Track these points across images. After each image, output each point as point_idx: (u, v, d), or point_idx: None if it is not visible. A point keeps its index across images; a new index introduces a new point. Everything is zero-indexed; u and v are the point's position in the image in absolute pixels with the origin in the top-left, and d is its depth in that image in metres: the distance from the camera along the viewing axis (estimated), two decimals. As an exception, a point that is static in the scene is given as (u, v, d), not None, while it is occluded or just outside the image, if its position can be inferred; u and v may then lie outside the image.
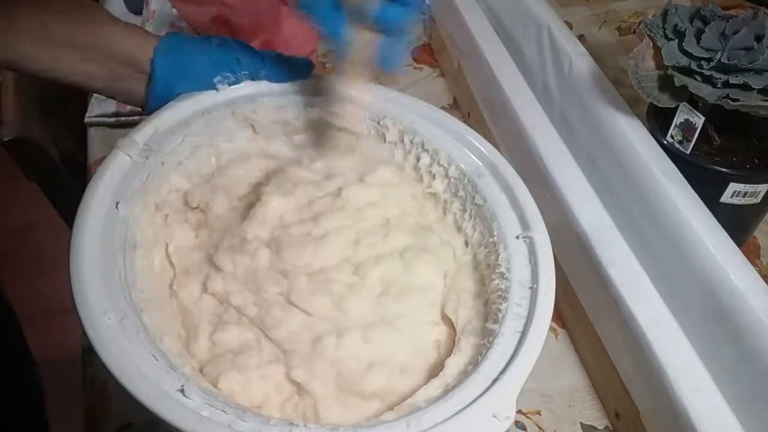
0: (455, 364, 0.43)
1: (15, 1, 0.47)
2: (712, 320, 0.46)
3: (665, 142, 0.58)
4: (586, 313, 0.57)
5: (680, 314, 0.49)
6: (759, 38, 0.53)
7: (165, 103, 0.52)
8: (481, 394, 0.39)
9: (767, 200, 0.58)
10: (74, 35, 0.49)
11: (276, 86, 0.55)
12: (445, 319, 0.49)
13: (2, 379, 0.74)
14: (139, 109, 0.56)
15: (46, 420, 0.81)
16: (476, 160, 0.53)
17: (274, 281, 0.48)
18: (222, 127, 0.54)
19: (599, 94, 0.60)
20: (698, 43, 0.54)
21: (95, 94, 0.80)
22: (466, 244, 0.52)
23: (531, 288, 0.45)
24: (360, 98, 0.52)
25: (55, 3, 0.49)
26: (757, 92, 0.52)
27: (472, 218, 0.52)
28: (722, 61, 0.52)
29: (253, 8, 0.83)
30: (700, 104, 0.55)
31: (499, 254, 0.47)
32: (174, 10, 0.78)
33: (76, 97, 0.84)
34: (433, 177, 0.54)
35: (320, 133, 0.55)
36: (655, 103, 0.56)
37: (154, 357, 0.38)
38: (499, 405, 0.38)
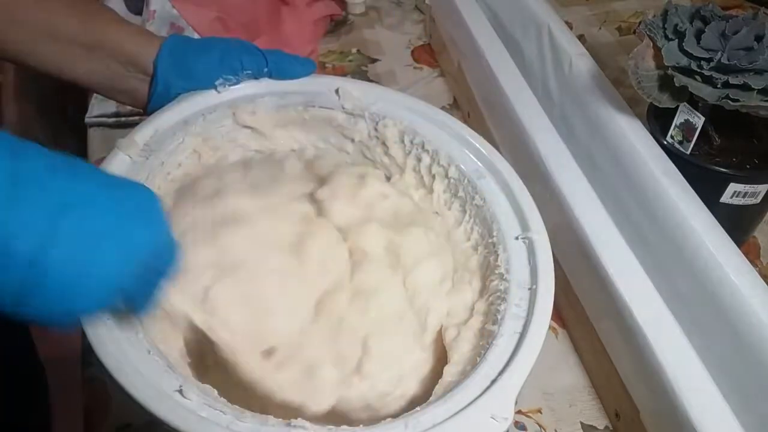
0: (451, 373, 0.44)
1: None
2: (712, 320, 0.46)
3: (665, 142, 0.58)
4: (586, 313, 0.57)
5: (680, 314, 0.49)
6: (759, 38, 0.53)
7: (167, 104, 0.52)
8: (480, 395, 0.39)
9: (767, 200, 0.58)
10: (79, 33, 0.49)
11: (276, 86, 0.55)
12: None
13: (8, 370, 0.75)
14: (140, 110, 0.55)
15: (50, 412, 0.82)
16: (476, 160, 0.53)
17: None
18: (222, 127, 0.54)
19: (599, 94, 0.60)
20: (698, 43, 0.54)
21: (95, 95, 0.80)
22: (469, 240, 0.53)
23: (530, 289, 0.45)
24: None
25: (61, 0, 0.49)
26: (757, 92, 0.52)
27: (472, 219, 0.52)
28: (722, 61, 0.52)
29: (253, 9, 0.83)
30: (700, 104, 0.55)
31: (498, 255, 0.47)
32: (174, 11, 0.78)
33: (76, 97, 0.84)
34: (433, 178, 0.54)
35: None
36: (655, 103, 0.56)
37: (153, 357, 0.38)
38: (497, 406, 0.38)
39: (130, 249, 0.34)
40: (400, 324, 0.48)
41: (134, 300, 0.37)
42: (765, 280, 0.45)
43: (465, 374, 0.41)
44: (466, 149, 0.53)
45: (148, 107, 0.53)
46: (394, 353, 0.47)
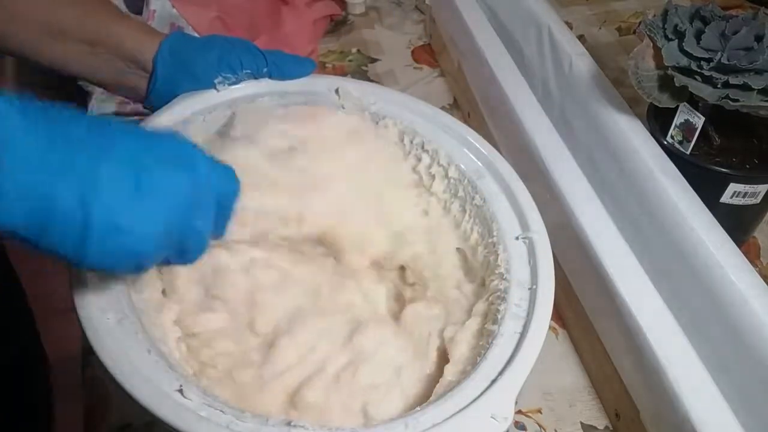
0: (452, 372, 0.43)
1: None
2: (712, 320, 0.46)
3: (665, 142, 0.58)
4: (586, 313, 0.57)
5: (680, 314, 0.49)
6: (759, 38, 0.53)
7: (166, 101, 0.52)
8: (480, 395, 0.39)
9: (767, 200, 0.58)
10: (80, 31, 0.49)
11: (276, 86, 0.55)
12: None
13: (14, 372, 0.75)
14: (140, 110, 0.56)
15: (53, 412, 0.82)
16: (476, 160, 0.53)
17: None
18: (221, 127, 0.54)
19: (599, 94, 0.60)
20: (698, 43, 0.54)
21: (95, 95, 0.80)
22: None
23: (530, 289, 0.45)
24: None
25: None
26: (757, 92, 0.52)
27: (472, 219, 0.52)
28: (722, 61, 0.52)
29: (253, 9, 0.83)
30: (700, 104, 0.55)
31: (498, 255, 0.47)
32: (174, 11, 0.78)
33: (76, 97, 0.84)
34: (433, 177, 0.54)
35: None
36: (655, 103, 0.56)
37: (153, 357, 0.38)
38: (497, 406, 0.38)
39: (169, 195, 0.34)
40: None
41: (185, 241, 0.37)
42: (765, 280, 0.45)
43: (465, 374, 0.41)
44: (466, 149, 0.53)
45: (147, 103, 0.54)
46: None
